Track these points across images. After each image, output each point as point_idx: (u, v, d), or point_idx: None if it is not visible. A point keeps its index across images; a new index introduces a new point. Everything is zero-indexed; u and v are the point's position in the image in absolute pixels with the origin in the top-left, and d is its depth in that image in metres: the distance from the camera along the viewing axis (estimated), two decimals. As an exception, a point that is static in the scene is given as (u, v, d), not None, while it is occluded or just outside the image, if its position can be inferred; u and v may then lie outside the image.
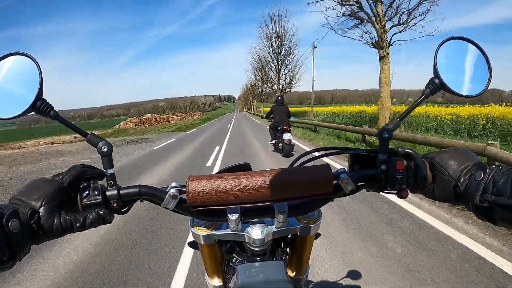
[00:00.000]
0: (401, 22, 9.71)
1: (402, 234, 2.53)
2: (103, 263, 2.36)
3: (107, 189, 0.46)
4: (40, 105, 0.43)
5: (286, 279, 0.47)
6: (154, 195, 0.47)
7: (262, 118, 27.88)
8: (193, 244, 0.60)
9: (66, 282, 2.12)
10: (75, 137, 19.85)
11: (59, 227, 0.41)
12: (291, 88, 30.22)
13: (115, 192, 0.46)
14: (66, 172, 0.46)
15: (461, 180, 0.45)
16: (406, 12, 9.55)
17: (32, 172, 7.27)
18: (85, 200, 0.45)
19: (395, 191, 0.49)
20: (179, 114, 58.59)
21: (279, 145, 6.70)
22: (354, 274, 1.87)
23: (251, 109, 75.18)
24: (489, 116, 10.30)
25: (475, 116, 10.64)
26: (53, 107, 0.44)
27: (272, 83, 32.13)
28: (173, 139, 13.00)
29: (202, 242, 0.55)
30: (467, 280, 1.84)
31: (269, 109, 7.28)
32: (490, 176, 0.41)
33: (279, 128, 6.63)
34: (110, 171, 0.46)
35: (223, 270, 0.63)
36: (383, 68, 10.00)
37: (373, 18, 9.84)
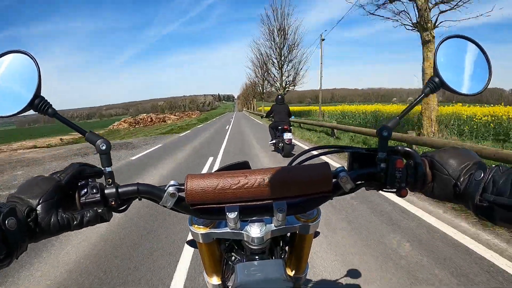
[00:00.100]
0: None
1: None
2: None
3: (105, 187, 0.46)
4: (38, 103, 0.43)
5: (285, 278, 0.47)
6: (153, 193, 0.47)
7: (262, 117, 26.54)
8: (192, 243, 0.60)
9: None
10: (61, 139, 18.53)
11: (56, 225, 0.41)
12: (294, 86, 27.85)
13: (114, 190, 0.46)
14: (64, 170, 0.46)
15: (461, 180, 0.44)
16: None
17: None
18: (83, 198, 0.45)
19: (395, 190, 0.49)
20: (176, 114, 57.09)
21: (279, 145, 6.62)
22: (353, 273, 1.87)
23: (251, 108, 74.37)
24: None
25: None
26: (51, 105, 0.44)
27: (275, 80, 29.50)
28: (160, 144, 10.84)
29: (201, 241, 0.55)
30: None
31: (269, 108, 7.18)
32: (490, 175, 0.41)
33: (279, 127, 6.52)
34: (108, 169, 0.46)
35: (222, 268, 0.62)
36: (427, 55, 7.59)
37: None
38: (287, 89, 27.81)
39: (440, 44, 0.50)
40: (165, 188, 0.47)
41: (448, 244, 2.32)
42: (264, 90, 45.48)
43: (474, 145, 4.43)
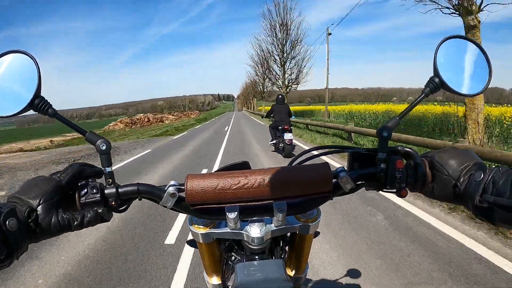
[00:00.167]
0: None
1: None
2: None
3: (105, 187, 0.46)
4: (38, 103, 0.43)
5: (285, 278, 0.47)
6: (153, 193, 0.47)
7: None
8: (192, 243, 0.60)
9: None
10: (51, 141, 17.66)
11: (56, 226, 0.41)
12: (298, 84, 25.99)
13: (114, 190, 0.46)
14: (64, 170, 0.46)
15: (461, 180, 0.44)
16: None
17: None
18: (84, 198, 0.45)
19: (395, 190, 0.49)
20: (175, 114, 55.86)
21: (280, 145, 6.53)
22: (353, 273, 1.87)
23: (250, 108, 73.39)
24: None
25: None
26: (51, 105, 0.44)
27: (276, 78, 27.53)
28: (149, 150, 9.30)
29: (201, 241, 0.55)
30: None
31: (269, 107, 7.09)
32: (490, 176, 0.41)
33: (280, 127, 6.43)
34: (108, 169, 0.46)
35: (222, 268, 0.63)
36: (474, 43, 6.32)
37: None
38: (289, 87, 26.32)
39: (440, 44, 0.50)
40: (165, 188, 0.47)
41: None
42: (265, 89, 43.86)
43: None
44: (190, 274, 2.10)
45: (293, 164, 0.56)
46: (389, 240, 2.44)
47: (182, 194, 0.46)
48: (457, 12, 6.41)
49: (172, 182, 0.48)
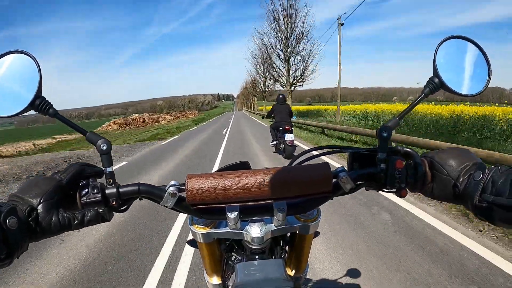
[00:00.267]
0: None
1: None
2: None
3: (106, 187, 0.46)
4: (39, 103, 0.43)
5: (285, 277, 0.47)
6: (153, 193, 0.47)
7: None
8: (192, 242, 0.60)
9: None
10: (34, 144, 16.27)
11: (57, 225, 0.41)
12: (303, 82, 23.19)
13: (114, 190, 0.46)
14: (65, 170, 0.46)
15: (460, 180, 0.45)
16: None
17: None
18: (84, 198, 0.45)
19: (394, 190, 0.49)
20: (172, 114, 53.62)
21: (281, 146, 6.42)
22: (353, 272, 1.87)
23: (251, 108, 72.34)
24: None
25: None
26: (52, 105, 0.44)
27: (280, 75, 24.63)
28: (124, 162, 7.23)
29: (201, 240, 0.55)
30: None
31: (270, 107, 6.94)
32: (489, 176, 0.41)
33: (281, 128, 6.30)
34: (109, 169, 0.46)
35: (222, 268, 0.63)
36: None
37: None
38: (294, 85, 23.88)
39: (440, 45, 0.50)
40: (166, 188, 0.47)
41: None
42: (266, 88, 41.62)
43: None
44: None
45: (293, 164, 0.56)
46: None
47: (183, 194, 0.46)
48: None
49: (172, 182, 0.48)
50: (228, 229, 0.53)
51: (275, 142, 6.82)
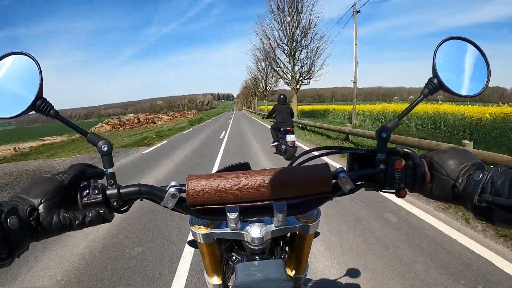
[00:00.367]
0: None
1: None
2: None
3: (107, 188, 0.46)
4: (40, 104, 0.43)
5: (285, 278, 0.48)
6: (154, 194, 0.48)
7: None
8: (192, 243, 0.60)
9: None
10: (15, 149, 15.29)
11: (58, 225, 0.41)
12: (310, 78, 20.44)
13: (115, 191, 0.46)
14: (66, 170, 0.46)
15: (460, 180, 0.45)
16: None
17: None
18: (85, 199, 0.45)
19: (394, 190, 0.49)
20: (170, 114, 51.65)
21: (282, 147, 6.30)
22: (353, 272, 1.87)
23: (251, 108, 71.19)
24: None
25: None
26: (53, 106, 0.44)
27: (284, 72, 21.69)
28: None
29: (202, 241, 0.56)
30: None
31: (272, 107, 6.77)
32: (489, 176, 0.41)
33: (282, 129, 6.19)
34: (110, 170, 0.46)
35: (222, 268, 0.63)
36: None
37: None
38: (300, 83, 21.10)
39: (439, 46, 0.50)
40: (166, 189, 0.47)
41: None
42: (268, 87, 39.71)
43: None
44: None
45: (293, 165, 0.56)
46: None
47: (183, 195, 0.47)
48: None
49: (173, 183, 0.48)
50: (228, 230, 0.53)
51: (276, 143, 6.69)
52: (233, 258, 0.61)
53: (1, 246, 0.34)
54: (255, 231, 0.52)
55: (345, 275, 1.91)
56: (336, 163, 5.41)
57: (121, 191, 0.47)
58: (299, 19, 19.83)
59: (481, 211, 0.41)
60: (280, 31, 20.93)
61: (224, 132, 14.46)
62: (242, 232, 0.53)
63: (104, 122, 30.90)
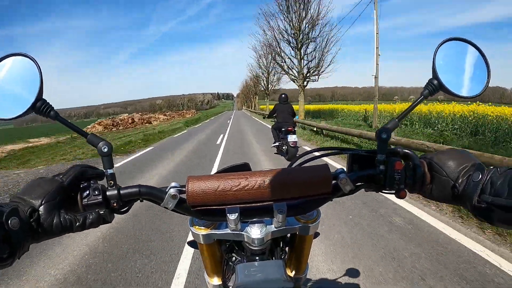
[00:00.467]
0: None
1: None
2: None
3: (107, 189, 0.46)
4: (40, 106, 0.43)
5: (285, 278, 0.48)
6: (154, 195, 0.48)
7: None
8: (192, 244, 0.60)
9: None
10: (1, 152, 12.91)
11: (58, 226, 0.41)
12: (319, 74, 18.17)
13: (115, 192, 0.46)
14: (66, 171, 0.46)
15: (459, 181, 0.45)
16: None
17: None
18: (86, 200, 0.45)
19: (394, 191, 0.49)
20: (167, 113, 48.94)
21: (283, 147, 6.22)
22: (353, 272, 1.88)
23: (251, 107, 70.01)
24: None
25: None
26: (53, 108, 0.45)
27: (290, 67, 19.28)
28: None
29: (202, 242, 0.56)
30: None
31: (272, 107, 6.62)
32: (488, 177, 0.42)
33: (283, 129, 6.10)
34: (110, 171, 0.46)
35: (222, 269, 0.63)
36: None
37: None
38: (308, 79, 18.79)
39: (439, 47, 0.50)
40: (167, 190, 0.47)
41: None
42: (270, 85, 38.20)
43: None
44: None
45: (294, 165, 0.56)
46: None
47: (183, 196, 0.47)
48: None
49: (173, 184, 0.48)
50: (228, 231, 0.53)
51: (277, 144, 6.56)
52: (233, 258, 0.61)
53: (2, 246, 0.35)
54: (255, 232, 0.52)
55: (344, 275, 1.91)
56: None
57: (121, 192, 0.47)
58: (306, 9, 17.56)
59: (480, 211, 0.41)
60: (285, 22, 18.54)
61: (221, 135, 12.44)
62: (242, 233, 0.53)
63: (96, 122, 27.63)
